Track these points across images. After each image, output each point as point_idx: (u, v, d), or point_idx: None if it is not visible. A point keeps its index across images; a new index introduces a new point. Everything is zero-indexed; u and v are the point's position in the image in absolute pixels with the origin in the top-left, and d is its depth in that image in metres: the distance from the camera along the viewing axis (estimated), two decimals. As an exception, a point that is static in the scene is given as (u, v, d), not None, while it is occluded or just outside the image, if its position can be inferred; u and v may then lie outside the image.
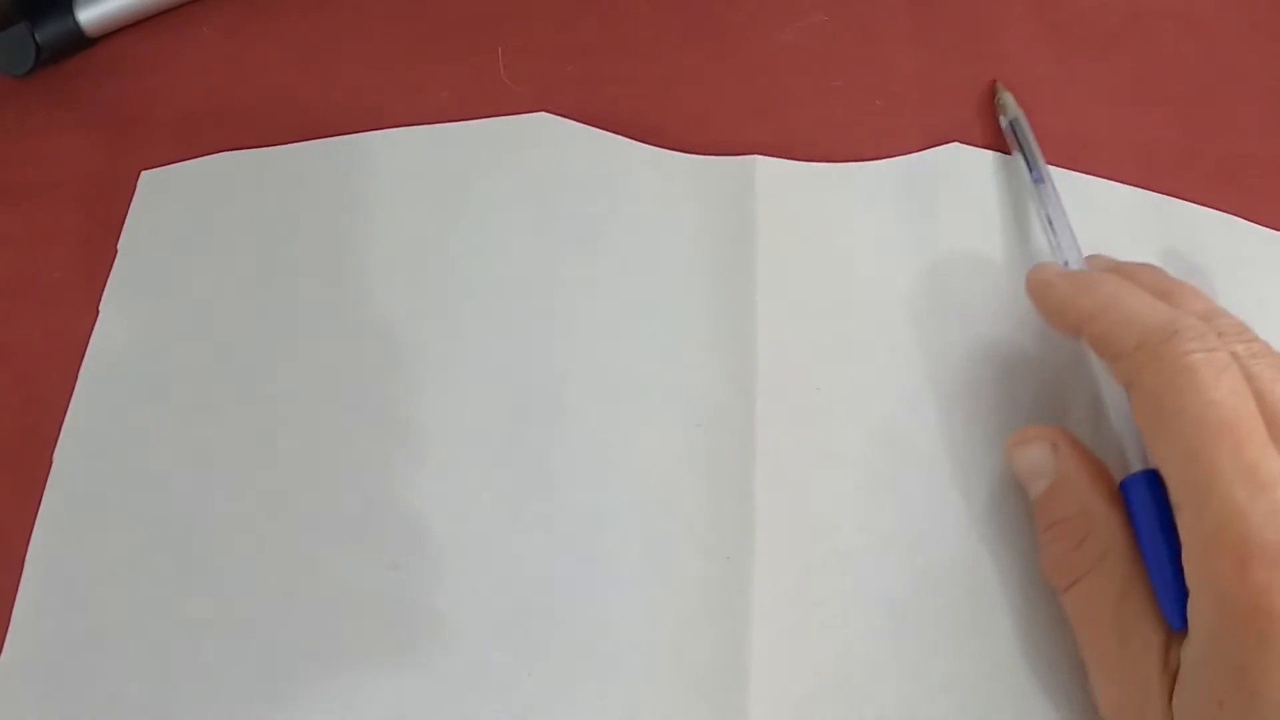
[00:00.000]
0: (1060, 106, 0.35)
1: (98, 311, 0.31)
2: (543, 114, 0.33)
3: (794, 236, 0.31)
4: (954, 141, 0.33)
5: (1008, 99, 0.34)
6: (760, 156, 0.32)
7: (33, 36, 0.34)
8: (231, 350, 0.31)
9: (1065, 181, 0.33)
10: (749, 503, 0.28)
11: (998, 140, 0.34)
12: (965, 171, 0.33)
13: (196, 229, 0.32)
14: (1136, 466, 0.25)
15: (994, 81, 0.34)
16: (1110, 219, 0.33)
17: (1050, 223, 0.30)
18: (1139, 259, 0.32)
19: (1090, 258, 0.30)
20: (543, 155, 0.32)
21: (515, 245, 0.31)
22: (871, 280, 0.31)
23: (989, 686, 0.27)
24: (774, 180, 0.32)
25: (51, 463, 0.29)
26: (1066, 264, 0.29)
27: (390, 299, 0.31)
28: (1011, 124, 0.33)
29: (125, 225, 0.32)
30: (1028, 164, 0.32)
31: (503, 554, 0.28)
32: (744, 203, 0.31)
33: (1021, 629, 0.27)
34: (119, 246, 0.32)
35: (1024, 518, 0.28)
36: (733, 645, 0.26)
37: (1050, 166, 0.34)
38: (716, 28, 0.36)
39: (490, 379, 0.30)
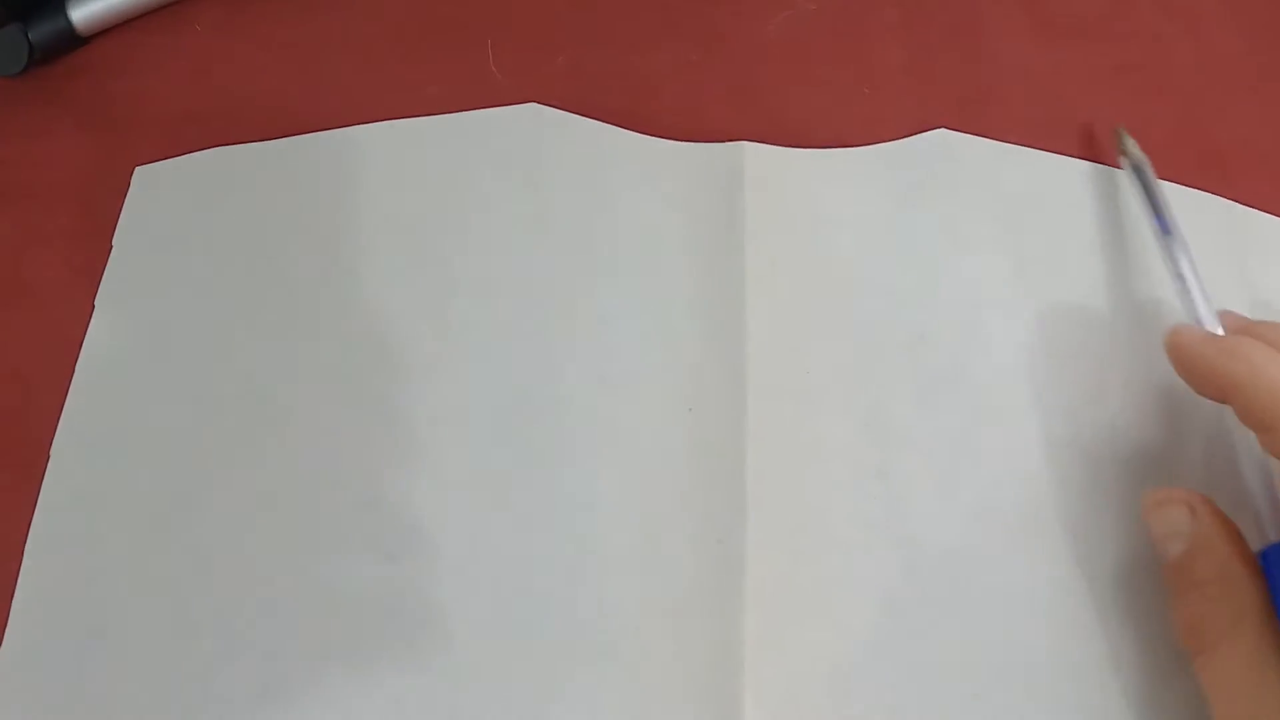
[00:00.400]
0: (1046, 94, 0.36)
1: (93, 308, 0.31)
2: (532, 105, 0.33)
3: (782, 221, 0.31)
4: (941, 128, 0.34)
5: (1130, 144, 0.32)
6: (748, 143, 0.32)
7: (25, 36, 0.35)
8: (226, 345, 0.31)
9: (1060, 165, 0.34)
10: (740, 488, 0.28)
11: (983, 127, 0.34)
12: (952, 157, 0.33)
13: (190, 224, 0.33)
14: (1270, 531, 0.26)
15: (1117, 127, 0.33)
16: (1107, 202, 0.34)
17: (1181, 278, 0.29)
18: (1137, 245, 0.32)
19: (1222, 314, 0.29)
20: (533, 145, 0.33)
21: (507, 235, 0.32)
22: (859, 264, 0.31)
23: (979, 674, 0.27)
24: (762, 166, 0.32)
25: (48, 458, 0.29)
26: (1199, 322, 0.29)
27: (384, 292, 0.31)
28: (1135, 170, 0.32)
29: (120, 221, 0.33)
30: (1155, 213, 0.31)
31: (497, 542, 0.28)
32: (733, 188, 0.32)
33: (1012, 619, 0.28)
34: (114, 242, 0.32)
35: (1013, 508, 0.29)
36: (725, 632, 0.27)
37: (1044, 152, 0.34)
38: (705, 17, 0.36)
39: (483, 369, 0.30)
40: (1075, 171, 0.34)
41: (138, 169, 0.33)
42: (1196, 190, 0.34)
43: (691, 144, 0.32)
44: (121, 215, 0.33)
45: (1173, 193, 0.34)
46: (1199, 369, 0.27)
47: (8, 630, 0.27)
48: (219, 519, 0.28)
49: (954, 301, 0.31)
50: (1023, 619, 0.28)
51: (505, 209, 0.32)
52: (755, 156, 0.32)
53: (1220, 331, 0.28)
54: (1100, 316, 0.32)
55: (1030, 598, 0.28)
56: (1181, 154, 0.35)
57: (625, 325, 0.30)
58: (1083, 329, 0.32)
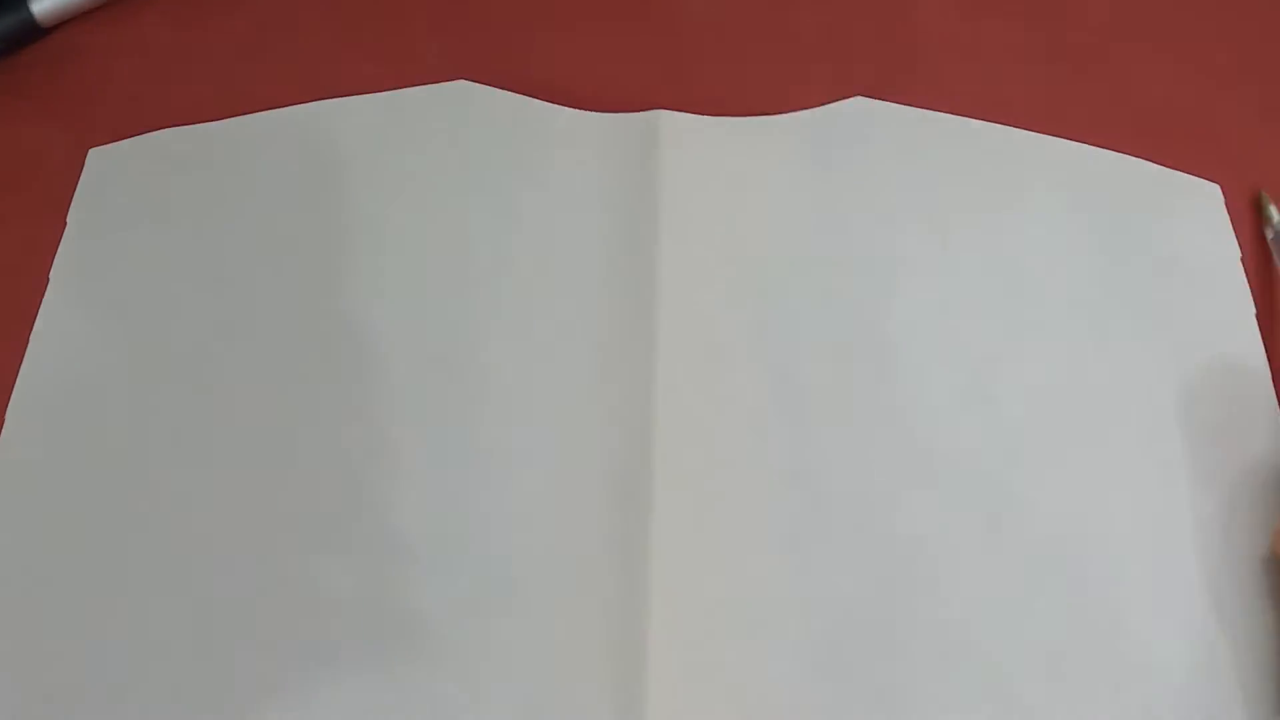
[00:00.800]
0: (971, 63, 0.36)
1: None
2: (462, 81, 0.34)
3: (696, 186, 0.32)
4: (858, 96, 0.34)
5: (1273, 211, 0.34)
6: (664, 111, 0.33)
7: (-11, 29, 0.36)
8: (174, 318, 0.32)
9: (977, 131, 0.34)
10: (648, 438, 0.29)
11: (905, 97, 0.35)
12: (869, 124, 0.34)
13: (140, 200, 0.34)
14: None
15: (1260, 192, 0.34)
16: (1024, 167, 0.34)
17: None
18: (1054, 207, 0.33)
19: None
20: (463, 120, 0.34)
21: (437, 207, 0.33)
22: (771, 227, 0.32)
23: (883, 613, 0.28)
24: (677, 133, 0.33)
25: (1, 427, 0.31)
26: None
27: (319, 266, 0.32)
28: (1277, 236, 0.33)
29: (74, 199, 0.34)
30: None
31: (422, 490, 0.29)
32: (648, 155, 0.33)
33: (916, 564, 0.28)
34: (68, 219, 0.34)
35: (919, 459, 0.30)
36: (632, 578, 0.28)
37: (962, 118, 0.35)
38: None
39: (413, 331, 0.31)
40: (996, 137, 0.35)
41: (91, 150, 0.35)
42: (1119, 154, 0.35)
43: (610, 114, 0.34)
44: (75, 194, 0.34)
45: (1093, 156, 0.35)
46: None
47: None
48: (164, 489, 0.29)
49: (866, 261, 0.32)
50: (927, 564, 0.28)
51: (437, 181, 0.33)
52: (671, 124, 0.33)
53: None
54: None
55: (937, 544, 0.29)
56: (1108, 121, 0.36)
57: (543, 289, 0.32)
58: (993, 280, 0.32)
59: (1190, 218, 0.34)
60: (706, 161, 0.33)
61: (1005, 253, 0.33)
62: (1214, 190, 0.35)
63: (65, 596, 0.28)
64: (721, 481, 0.29)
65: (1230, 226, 0.34)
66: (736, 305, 0.31)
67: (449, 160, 0.34)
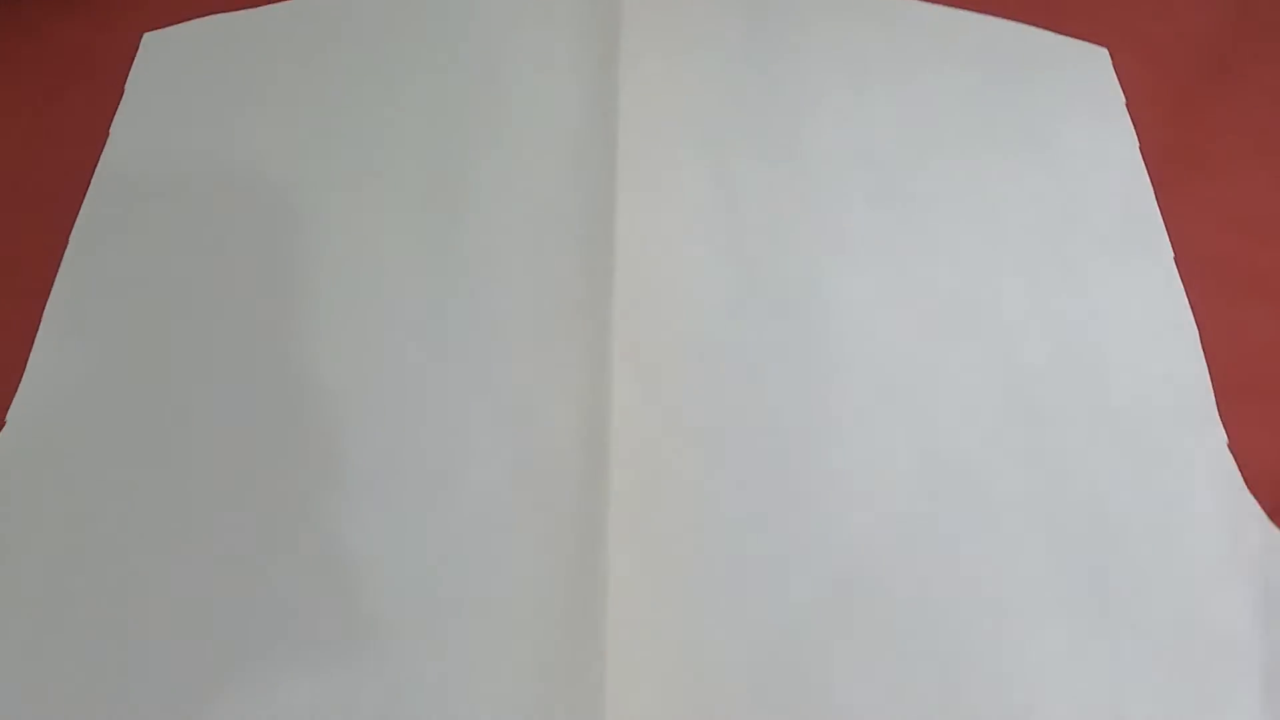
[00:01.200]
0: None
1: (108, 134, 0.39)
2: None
3: (652, 45, 0.38)
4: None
5: None
6: (628, -22, 0.39)
7: (56, -58, 0.43)
8: (226, 161, 0.37)
9: (891, 3, 0.41)
10: (609, 262, 0.33)
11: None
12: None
13: (188, 79, 0.40)
14: None
15: None
16: (932, 34, 0.40)
17: None
18: (959, 68, 0.39)
19: None
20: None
21: (434, 69, 0.39)
22: (716, 81, 0.38)
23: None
24: (638, 3, 0.39)
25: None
26: None
27: (317, 151, 0.37)
28: None
29: (129, 78, 0.40)
30: None
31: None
32: (613, 9, 0.39)
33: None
34: (125, 87, 0.40)
35: (837, 243, 0.35)
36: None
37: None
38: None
39: (402, 166, 0.36)
40: (908, 10, 0.41)
41: (146, 35, 0.41)
42: (1019, 23, 0.41)
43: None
44: (130, 74, 0.40)
45: (994, 25, 0.41)
46: None
47: None
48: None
49: (796, 107, 0.38)
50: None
51: (422, 61, 0.39)
52: (633, -4, 0.39)
53: None
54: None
55: (862, 320, 0.34)
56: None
57: (519, 131, 0.37)
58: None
59: (1082, 76, 0.40)
60: (662, 25, 0.39)
61: (916, 98, 0.39)
62: (1103, 53, 0.41)
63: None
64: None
65: (1117, 82, 0.40)
66: (689, 149, 0.37)
67: (434, 38, 0.40)
